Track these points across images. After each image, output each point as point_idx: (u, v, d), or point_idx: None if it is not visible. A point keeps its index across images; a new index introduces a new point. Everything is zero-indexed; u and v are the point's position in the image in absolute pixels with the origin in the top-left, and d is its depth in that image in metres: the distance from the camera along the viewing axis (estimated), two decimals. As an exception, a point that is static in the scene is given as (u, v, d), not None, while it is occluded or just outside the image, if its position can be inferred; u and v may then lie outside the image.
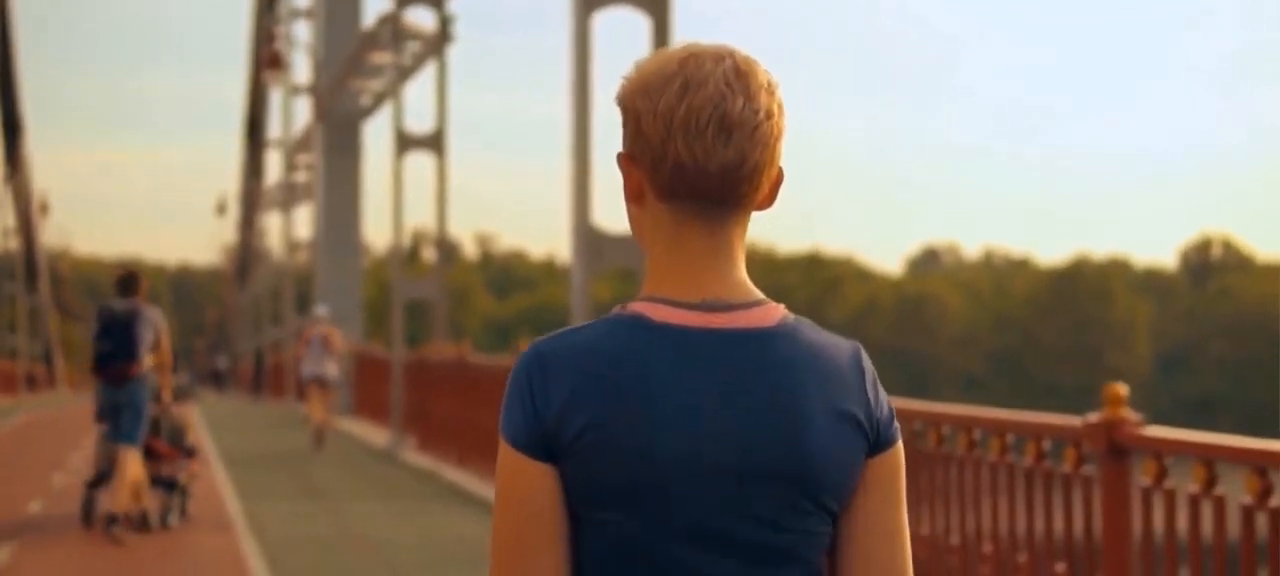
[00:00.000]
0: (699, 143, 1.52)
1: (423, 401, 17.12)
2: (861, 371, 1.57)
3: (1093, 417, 4.92)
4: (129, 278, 10.40)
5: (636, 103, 1.56)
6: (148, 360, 10.19)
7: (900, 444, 1.60)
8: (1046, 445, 5.33)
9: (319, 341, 18.42)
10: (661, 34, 10.61)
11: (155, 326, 10.25)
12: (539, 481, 1.52)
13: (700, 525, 1.51)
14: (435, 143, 18.58)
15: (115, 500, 10.09)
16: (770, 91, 1.56)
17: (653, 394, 1.50)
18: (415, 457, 16.36)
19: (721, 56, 1.56)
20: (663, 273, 1.57)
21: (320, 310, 20.49)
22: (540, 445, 1.51)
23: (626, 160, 1.59)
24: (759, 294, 1.58)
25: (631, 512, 1.51)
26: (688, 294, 1.55)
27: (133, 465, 10.16)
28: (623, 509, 1.51)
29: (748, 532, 1.52)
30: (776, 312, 1.57)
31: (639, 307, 1.56)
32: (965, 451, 5.79)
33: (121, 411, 10.14)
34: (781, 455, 1.51)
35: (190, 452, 11.32)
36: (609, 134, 1.66)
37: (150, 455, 10.69)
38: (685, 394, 1.51)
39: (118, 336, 10.04)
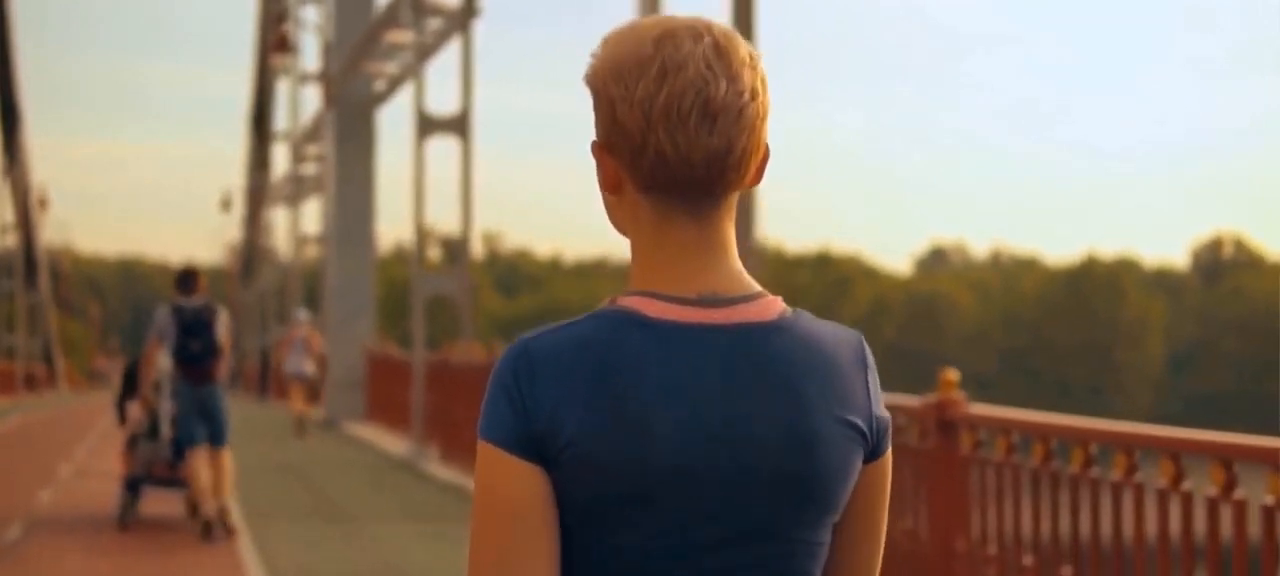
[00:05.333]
0: (681, 132, 1.42)
1: (446, 407, 15.80)
2: (865, 367, 1.51)
3: None
4: (190, 275, 10.42)
5: (610, 89, 1.45)
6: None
7: (890, 450, 1.54)
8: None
9: (300, 343, 20.57)
10: (745, 11, 9.13)
11: (226, 325, 10.37)
12: (529, 483, 1.41)
13: (700, 535, 1.42)
14: (459, 125, 17.22)
15: (215, 502, 10.22)
16: (753, 67, 1.47)
17: (649, 396, 1.40)
18: (439, 469, 15.01)
19: (699, 34, 1.45)
20: (652, 266, 1.48)
21: (301, 314, 22.60)
22: (530, 448, 1.41)
23: (601, 150, 1.49)
24: (756, 286, 1.49)
25: (626, 524, 1.41)
26: (682, 288, 1.46)
27: (227, 466, 10.37)
28: (617, 520, 1.41)
29: (749, 542, 1.44)
30: (775, 305, 1.48)
31: (631, 302, 1.46)
32: (1171, 485, 4.42)
33: (206, 413, 10.25)
34: (787, 460, 1.44)
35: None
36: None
37: (180, 454, 10.55)
38: (684, 396, 1.41)
39: (203, 335, 10.13)
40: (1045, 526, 5.30)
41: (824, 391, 1.46)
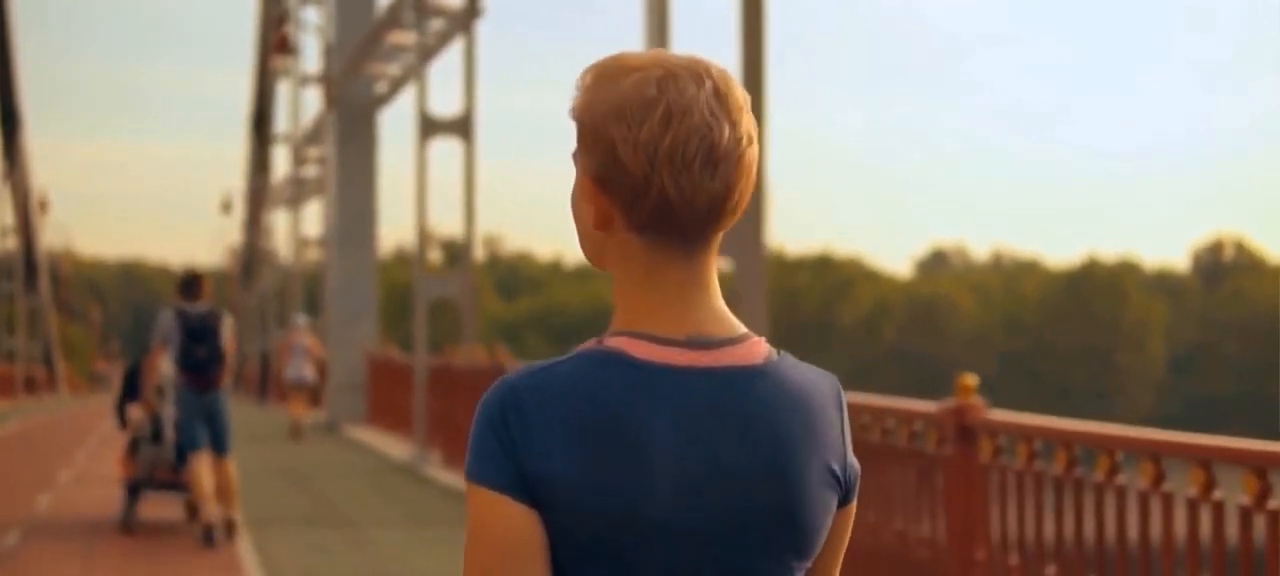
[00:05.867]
0: (686, 177, 1.43)
1: (448, 411, 15.65)
2: (841, 413, 1.54)
3: None
4: (194, 279, 10.28)
5: (610, 129, 1.45)
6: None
7: (856, 500, 1.57)
8: None
9: (300, 348, 20.92)
10: (754, 13, 8.94)
11: (231, 330, 10.25)
12: (523, 525, 1.40)
13: None
14: (463, 126, 17.04)
15: (222, 512, 10.19)
16: (748, 110, 1.49)
17: (641, 441, 1.41)
18: (441, 474, 14.86)
19: (700, 76, 1.46)
20: (639, 305, 1.47)
21: (300, 319, 23.05)
22: (522, 489, 1.40)
23: (593, 186, 1.47)
24: (742, 327, 1.50)
25: (618, 565, 1.41)
26: (671, 329, 1.46)
27: (232, 473, 10.31)
28: (609, 561, 1.41)
29: None
30: (761, 348, 1.49)
31: (619, 343, 1.45)
32: (1201, 493, 4.29)
33: (211, 419, 10.15)
34: (775, 505, 1.45)
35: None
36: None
37: (184, 458, 10.50)
38: (674, 441, 1.42)
39: (208, 341, 10.01)
40: (1069, 535, 5.16)
41: (806, 437, 1.47)
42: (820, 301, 74.98)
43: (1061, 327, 74.13)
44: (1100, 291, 76.08)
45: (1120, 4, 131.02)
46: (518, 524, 1.40)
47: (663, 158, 1.43)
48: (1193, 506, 4.55)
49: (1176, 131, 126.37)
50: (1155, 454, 4.72)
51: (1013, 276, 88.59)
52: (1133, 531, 4.82)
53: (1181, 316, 76.34)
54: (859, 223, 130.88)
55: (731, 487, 1.44)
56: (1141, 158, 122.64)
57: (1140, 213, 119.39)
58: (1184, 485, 4.61)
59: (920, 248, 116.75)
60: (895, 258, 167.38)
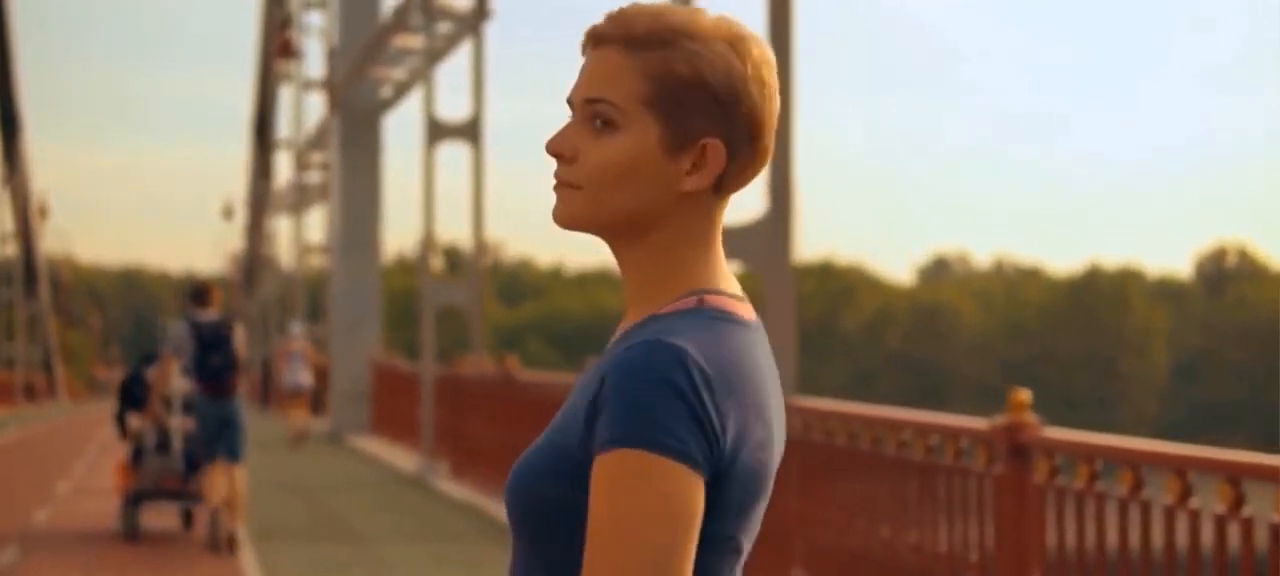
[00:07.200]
0: (774, 142, 1.51)
1: (456, 422, 15.33)
2: None
3: None
4: (203, 288, 10.34)
5: (754, 95, 1.46)
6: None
7: None
8: None
9: (298, 355, 21.45)
10: (782, 18, 8.60)
11: (242, 337, 10.23)
12: (701, 498, 1.38)
13: (757, 525, 1.48)
14: (471, 131, 16.70)
15: (233, 518, 10.12)
16: None
17: (769, 401, 1.45)
18: (450, 486, 14.53)
19: None
20: (703, 264, 1.49)
21: (296, 327, 23.94)
22: (705, 462, 1.38)
23: (722, 147, 1.46)
24: None
25: (744, 519, 1.43)
26: (734, 286, 1.51)
27: (242, 482, 10.25)
28: (741, 517, 1.42)
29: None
30: None
31: (722, 303, 1.46)
32: None
33: (226, 427, 10.04)
34: (782, 441, 1.52)
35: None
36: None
37: (193, 468, 10.59)
38: (776, 397, 1.48)
39: (222, 349, 9.98)
40: (1134, 559, 4.84)
41: None
42: (822, 308, 74.86)
43: (1064, 335, 74.09)
44: (1103, 298, 76.10)
45: (1121, 9, 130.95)
46: (697, 498, 1.36)
47: (774, 124, 1.48)
48: (1276, 532, 4.23)
49: (1179, 138, 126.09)
50: (1234, 476, 4.39)
51: (1015, 283, 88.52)
52: (1198, 554, 4.50)
53: (1184, 323, 76.32)
54: (861, 230, 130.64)
55: (783, 433, 1.49)
56: (1144, 164, 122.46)
57: (1143, 219, 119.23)
58: (1265, 509, 4.30)
59: (922, 255, 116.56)
60: (897, 265, 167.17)
